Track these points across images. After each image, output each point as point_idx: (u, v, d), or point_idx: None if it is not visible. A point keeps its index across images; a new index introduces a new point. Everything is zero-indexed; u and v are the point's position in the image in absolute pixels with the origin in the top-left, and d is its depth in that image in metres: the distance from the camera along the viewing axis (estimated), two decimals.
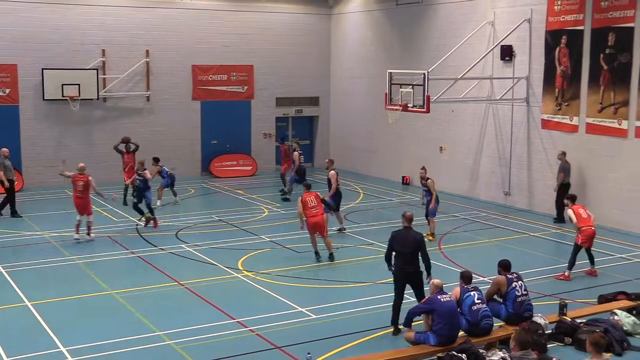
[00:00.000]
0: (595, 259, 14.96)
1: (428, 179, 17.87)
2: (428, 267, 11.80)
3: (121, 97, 26.40)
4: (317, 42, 29.79)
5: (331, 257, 15.80)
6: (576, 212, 14.74)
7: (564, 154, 19.64)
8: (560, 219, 19.51)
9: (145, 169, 19.29)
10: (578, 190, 19.16)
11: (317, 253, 15.84)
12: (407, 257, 11.57)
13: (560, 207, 19.21)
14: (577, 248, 14.65)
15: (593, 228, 14.77)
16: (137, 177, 19.35)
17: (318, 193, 16.39)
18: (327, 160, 20.20)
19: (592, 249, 14.90)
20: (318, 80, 30.04)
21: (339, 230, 18.47)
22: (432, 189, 17.74)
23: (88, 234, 17.63)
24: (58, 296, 13.50)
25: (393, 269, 11.79)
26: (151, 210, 19.19)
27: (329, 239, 16.00)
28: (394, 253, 11.76)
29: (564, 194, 17.02)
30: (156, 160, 22.36)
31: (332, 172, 18.92)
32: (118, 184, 22.87)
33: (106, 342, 11.15)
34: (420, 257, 11.66)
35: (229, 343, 11.21)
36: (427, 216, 17.95)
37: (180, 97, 27.36)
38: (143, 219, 19.30)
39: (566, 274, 14.56)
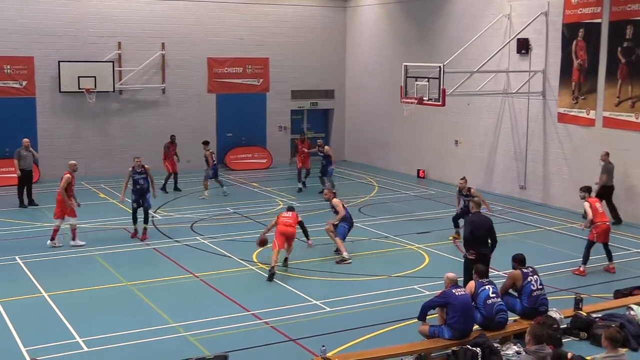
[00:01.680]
0: (612, 254, 14.81)
1: (470, 188, 16.70)
2: (493, 249, 12.46)
3: (137, 90, 26.49)
4: (332, 35, 29.72)
5: (285, 262, 14.58)
6: (593, 205, 14.61)
7: (607, 154, 18.41)
8: (617, 222, 18.35)
9: (144, 165, 16.96)
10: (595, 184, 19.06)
11: (273, 272, 13.92)
12: (481, 239, 12.22)
13: (612, 209, 18.41)
14: (590, 243, 14.54)
15: (608, 223, 14.67)
16: (139, 175, 16.75)
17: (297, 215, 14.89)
18: (325, 191, 16.81)
19: (609, 244, 14.76)
20: (333, 73, 29.99)
21: (340, 257, 15.46)
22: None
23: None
24: (74, 287, 13.60)
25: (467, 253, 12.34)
26: (146, 218, 17.09)
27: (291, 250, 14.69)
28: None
29: (606, 197, 16.85)
30: (207, 143, 22.63)
31: (336, 200, 15.98)
32: None
33: (121, 333, 11.23)
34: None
35: (244, 335, 11.25)
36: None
37: (195, 90, 27.43)
38: (135, 228, 17.11)
39: (581, 269, 14.48)
